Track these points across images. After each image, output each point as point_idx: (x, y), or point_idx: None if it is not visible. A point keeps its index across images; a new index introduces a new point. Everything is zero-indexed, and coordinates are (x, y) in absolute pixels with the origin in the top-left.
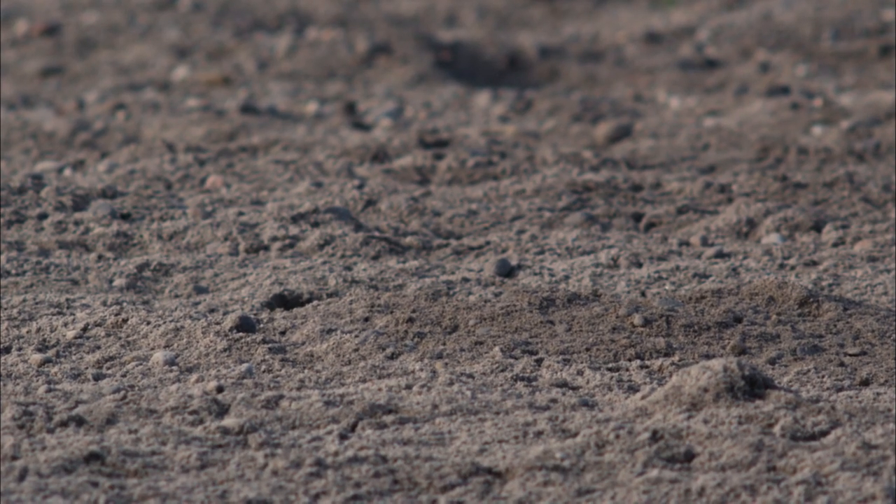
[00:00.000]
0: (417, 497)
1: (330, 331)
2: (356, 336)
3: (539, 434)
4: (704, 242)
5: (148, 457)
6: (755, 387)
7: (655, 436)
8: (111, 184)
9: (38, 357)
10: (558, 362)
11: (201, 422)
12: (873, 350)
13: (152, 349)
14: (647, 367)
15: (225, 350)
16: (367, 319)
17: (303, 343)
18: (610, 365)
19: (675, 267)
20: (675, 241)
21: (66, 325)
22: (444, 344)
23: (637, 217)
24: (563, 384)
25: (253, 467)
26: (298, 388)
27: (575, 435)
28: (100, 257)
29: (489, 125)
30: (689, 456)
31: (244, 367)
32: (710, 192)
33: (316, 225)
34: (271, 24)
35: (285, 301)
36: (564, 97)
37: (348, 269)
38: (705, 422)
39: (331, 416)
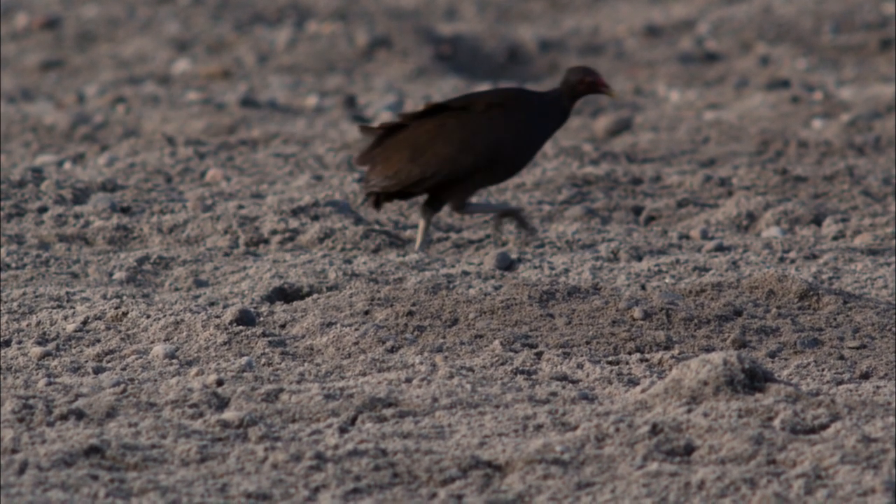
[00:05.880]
0: (417, 490)
1: (330, 324)
2: (356, 329)
3: (539, 427)
4: (704, 236)
5: (148, 450)
6: (755, 380)
7: (655, 429)
8: (111, 177)
9: (38, 350)
10: (558, 355)
11: (201, 415)
12: (873, 343)
13: (152, 342)
14: (646, 360)
15: (225, 343)
16: (367, 313)
17: (303, 336)
18: (610, 358)
19: (675, 260)
20: (675, 234)
21: (66, 318)
22: (444, 337)
23: (637, 210)
24: (562, 377)
25: (253, 460)
26: (298, 382)
27: (575, 428)
28: (99, 251)
29: None
30: (689, 449)
31: (244, 360)
32: (710, 186)
33: (316, 218)
34: (271, 18)
35: (285, 294)
36: None
37: (348, 262)
38: (705, 415)
39: (331, 409)
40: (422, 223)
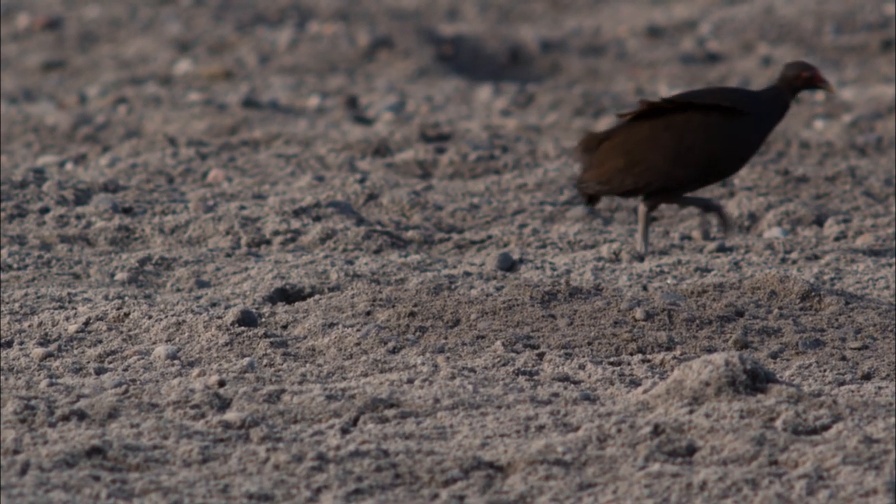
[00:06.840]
0: (419, 491)
1: (332, 325)
2: (358, 330)
3: (541, 428)
4: (706, 236)
5: (150, 451)
6: (757, 381)
7: (657, 430)
8: (113, 178)
9: (39, 351)
10: (560, 356)
11: (203, 416)
12: (875, 344)
13: (154, 343)
14: (648, 360)
15: (227, 344)
16: (368, 313)
17: (304, 337)
18: (611, 359)
19: (677, 261)
20: (676, 234)
21: (67, 319)
22: (445, 338)
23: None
24: (564, 378)
25: (255, 461)
26: (300, 382)
27: (576, 429)
28: (101, 251)
29: (491, 119)
30: (691, 450)
31: (246, 361)
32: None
33: (318, 219)
34: (273, 18)
35: (287, 295)
36: (566, 91)
37: (350, 262)
38: (707, 416)
39: (332, 410)
40: (642, 221)
